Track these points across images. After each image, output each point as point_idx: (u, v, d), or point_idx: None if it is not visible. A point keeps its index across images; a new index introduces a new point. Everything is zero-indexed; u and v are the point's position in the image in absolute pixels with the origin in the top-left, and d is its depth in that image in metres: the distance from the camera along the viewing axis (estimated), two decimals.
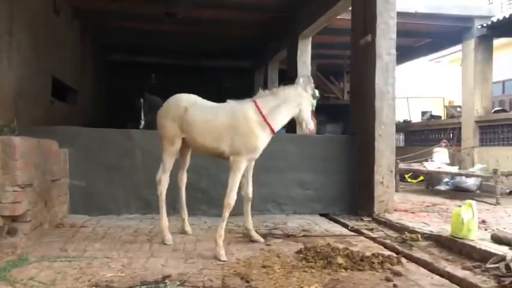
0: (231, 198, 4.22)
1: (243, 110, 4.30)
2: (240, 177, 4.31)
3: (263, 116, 4.28)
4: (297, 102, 4.40)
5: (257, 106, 4.31)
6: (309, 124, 4.51)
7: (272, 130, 4.35)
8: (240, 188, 4.42)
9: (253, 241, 4.67)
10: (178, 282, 3.25)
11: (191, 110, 4.42)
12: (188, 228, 4.94)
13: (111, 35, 12.85)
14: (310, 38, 9.99)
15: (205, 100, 4.63)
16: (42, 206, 4.62)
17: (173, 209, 5.21)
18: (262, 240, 4.70)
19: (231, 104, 4.46)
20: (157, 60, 15.19)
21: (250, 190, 4.69)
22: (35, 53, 7.47)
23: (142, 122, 9.00)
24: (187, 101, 4.51)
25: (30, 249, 4.00)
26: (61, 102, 9.75)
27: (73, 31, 10.52)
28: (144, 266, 3.65)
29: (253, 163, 4.63)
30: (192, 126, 4.38)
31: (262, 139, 4.31)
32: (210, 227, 5.40)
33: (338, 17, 8.70)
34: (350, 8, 7.36)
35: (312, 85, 4.53)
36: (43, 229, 4.67)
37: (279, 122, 4.39)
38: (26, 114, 7.00)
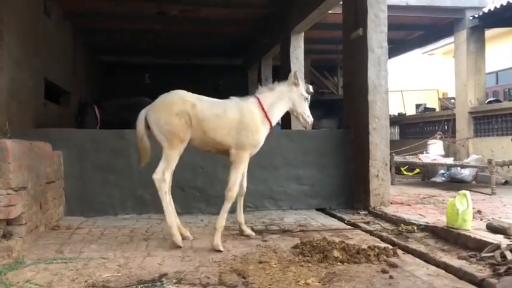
0: (234, 191, 4.37)
1: (250, 106, 4.52)
2: (242, 171, 4.48)
3: (265, 112, 4.55)
4: (289, 97, 4.72)
5: (260, 102, 4.57)
6: (307, 117, 4.81)
7: (271, 126, 4.63)
8: None
9: (245, 235, 4.72)
10: (174, 280, 3.25)
11: (200, 105, 4.39)
12: (187, 233, 4.67)
13: (103, 35, 12.78)
14: (303, 34, 9.97)
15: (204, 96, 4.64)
16: (37, 209, 4.61)
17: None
18: (253, 234, 4.76)
19: (235, 100, 4.58)
20: (150, 60, 15.18)
21: (245, 184, 4.76)
22: (26, 55, 7.43)
23: None
24: (191, 96, 4.46)
25: (26, 252, 3.99)
26: (54, 104, 9.70)
27: (65, 33, 10.45)
28: (140, 266, 3.65)
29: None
30: (203, 121, 4.35)
31: (264, 134, 4.58)
32: (207, 224, 5.41)
33: (330, 11, 8.70)
34: (341, 2, 7.36)
35: (298, 80, 4.74)
36: (39, 232, 4.66)
37: (276, 117, 4.70)
38: (19, 117, 6.96)
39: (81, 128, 8.19)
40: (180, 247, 4.23)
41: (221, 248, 4.13)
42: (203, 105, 4.43)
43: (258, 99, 4.59)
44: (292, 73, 4.80)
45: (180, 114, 4.32)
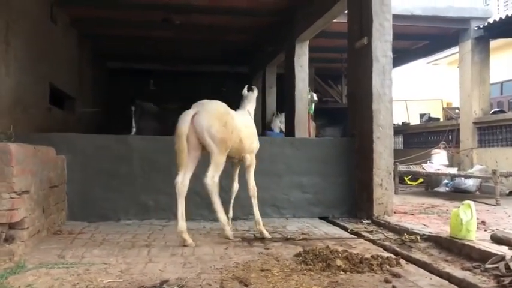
0: (255, 189, 5.10)
1: (251, 116, 5.30)
2: None
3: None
4: (253, 105, 5.47)
5: (249, 113, 5.34)
6: None
7: None
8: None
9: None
10: (176, 287, 3.23)
11: (236, 116, 4.88)
12: (190, 240, 4.65)
13: (108, 42, 12.86)
14: (307, 42, 9.99)
15: None
16: (40, 213, 4.60)
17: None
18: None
19: (244, 111, 5.28)
20: (155, 66, 15.24)
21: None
22: (32, 60, 7.47)
23: (134, 130, 9.33)
24: (229, 109, 4.88)
25: (28, 256, 3.98)
26: (59, 109, 9.74)
27: (70, 39, 10.53)
28: (142, 272, 3.63)
29: None
30: (241, 130, 4.86)
31: None
32: (209, 231, 5.39)
33: (335, 20, 8.72)
34: (346, 11, 7.38)
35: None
36: (41, 236, 4.65)
37: None
38: (24, 122, 6.99)
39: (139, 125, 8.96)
40: (230, 239, 4.75)
41: (267, 235, 4.98)
42: (237, 115, 4.94)
43: (248, 111, 5.32)
44: (254, 87, 5.56)
45: (226, 124, 4.66)
